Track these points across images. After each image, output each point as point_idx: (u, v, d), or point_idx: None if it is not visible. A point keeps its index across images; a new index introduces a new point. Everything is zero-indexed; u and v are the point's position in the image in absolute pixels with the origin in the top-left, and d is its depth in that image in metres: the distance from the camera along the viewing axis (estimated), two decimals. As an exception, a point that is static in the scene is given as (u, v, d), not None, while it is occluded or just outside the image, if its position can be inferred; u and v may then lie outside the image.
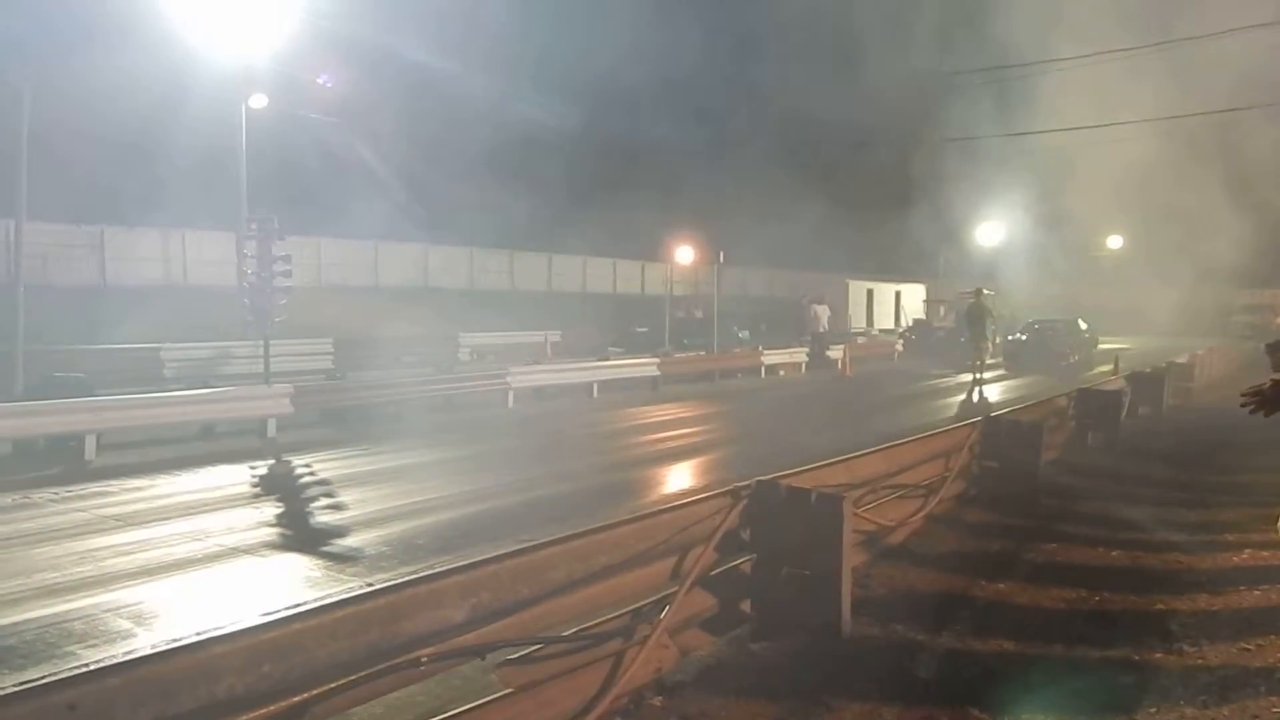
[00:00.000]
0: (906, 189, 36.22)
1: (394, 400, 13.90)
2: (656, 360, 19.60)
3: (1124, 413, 11.38)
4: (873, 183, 39.49)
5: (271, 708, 2.64)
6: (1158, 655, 4.52)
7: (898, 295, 43.07)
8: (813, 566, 4.68)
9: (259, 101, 23.68)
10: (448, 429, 13.02)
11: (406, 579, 3.32)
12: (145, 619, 5.25)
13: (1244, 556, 6.22)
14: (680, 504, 4.46)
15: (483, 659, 3.31)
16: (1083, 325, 25.28)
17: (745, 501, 4.61)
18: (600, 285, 41.03)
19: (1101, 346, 25.87)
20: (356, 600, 3.05)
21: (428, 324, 24.25)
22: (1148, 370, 14.28)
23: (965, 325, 19.92)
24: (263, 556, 6.56)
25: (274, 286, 14.33)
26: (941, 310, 31.13)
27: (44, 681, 2.45)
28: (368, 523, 7.46)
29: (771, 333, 30.29)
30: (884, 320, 42.16)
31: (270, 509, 7.95)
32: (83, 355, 16.57)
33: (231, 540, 6.89)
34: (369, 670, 2.87)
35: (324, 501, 8.18)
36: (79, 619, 5.18)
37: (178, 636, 3.83)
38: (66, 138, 21.16)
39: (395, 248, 33.65)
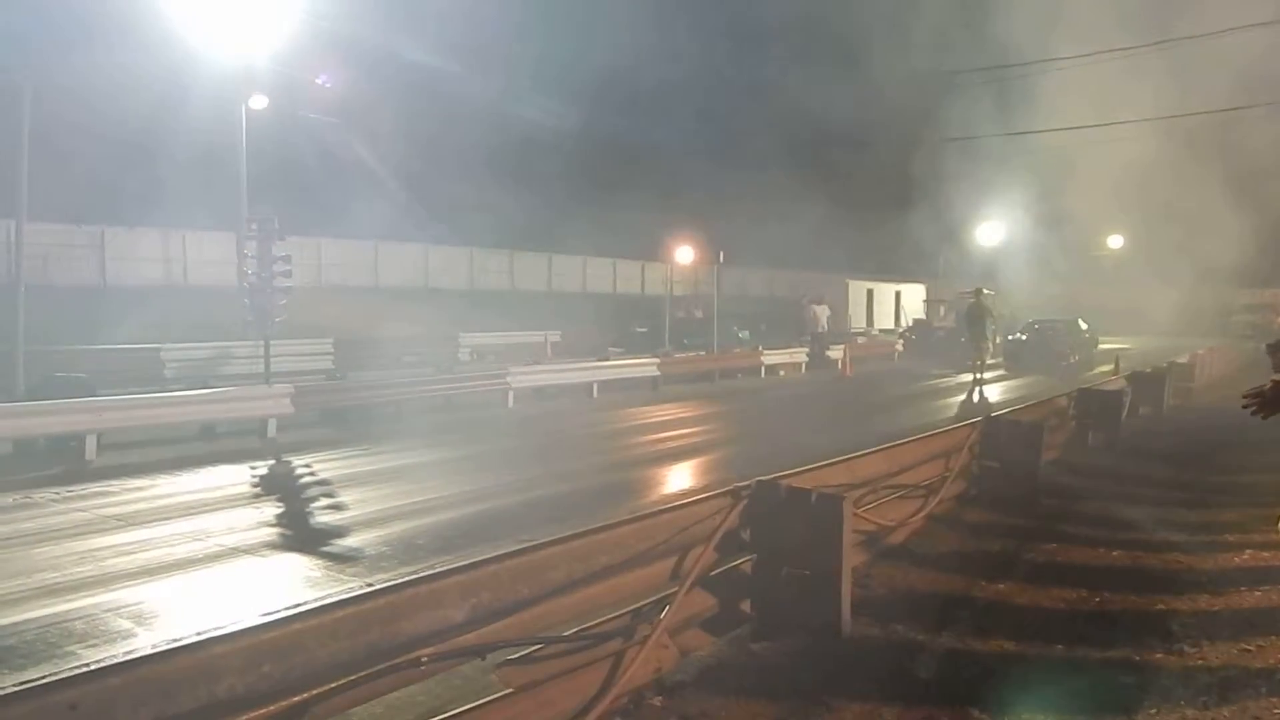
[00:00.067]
0: (906, 189, 36.25)
1: (394, 400, 13.91)
2: (656, 360, 19.61)
3: (1124, 413, 11.37)
4: (873, 183, 39.52)
5: (271, 708, 2.64)
6: (1158, 656, 4.52)
7: (898, 295, 43.07)
8: (813, 566, 4.68)
9: (259, 101, 23.68)
10: (448, 429, 13.02)
11: (406, 579, 3.32)
12: (146, 619, 5.25)
13: (1245, 557, 6.22)
14: (680, 504, 4.46)
15: (483, 659, 3.31)
16: (1083, 325, 25.28)
17: (745, 501, 4.61)
18: (600, 285, 41.03)
19: (1102, 346, 25.86)
20: (356, 600, 3.05)
21: (428, 324, 24.26)
22: (1148, 370, 14.28)
23: (965, 325, 19.92)
24: (263, 556, 6.56)
25: (274, 287, 14.33)
26: (941, 310, 31.13)
27: (45, 681, 2.46)
28: (368, 523, 7.46)
29: (771, 333, 30.29)
30: (884, 320, 42.16)
31: (270, 509, 7.95)
32: (83, 355, 16.58)
33: (232, 540, 6.89)
34: (369, 670, 2.87)
35: (324, 501, 8.18)
36: (79, 619, 5.18)
37: (178, 636, 3.83)
38: (67, 137, 21.18)
39: (395, 248, 33.66)
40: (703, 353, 23.53)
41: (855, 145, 39.28)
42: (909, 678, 4.26)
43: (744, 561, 4.74)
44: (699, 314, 29.93)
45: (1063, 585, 5.63)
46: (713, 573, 4.47)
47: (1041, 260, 37.09)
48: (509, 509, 8.06)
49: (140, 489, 8.80)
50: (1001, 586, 5.62)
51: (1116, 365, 16.90)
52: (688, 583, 4.13)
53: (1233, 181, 27.17)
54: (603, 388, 17.58)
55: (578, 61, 38.95)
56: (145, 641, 4.81)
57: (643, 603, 4.07)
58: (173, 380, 17.22)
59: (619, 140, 42.33)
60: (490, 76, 38.41)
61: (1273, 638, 4.68)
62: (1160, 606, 5.27)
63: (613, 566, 3.86)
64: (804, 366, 23.93)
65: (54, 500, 8.30)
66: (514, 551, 3.59)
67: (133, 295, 22.70)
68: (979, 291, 19.51)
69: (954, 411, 15.12)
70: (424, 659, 3.04)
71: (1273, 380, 3.85)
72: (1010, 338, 24.23)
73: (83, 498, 8.40)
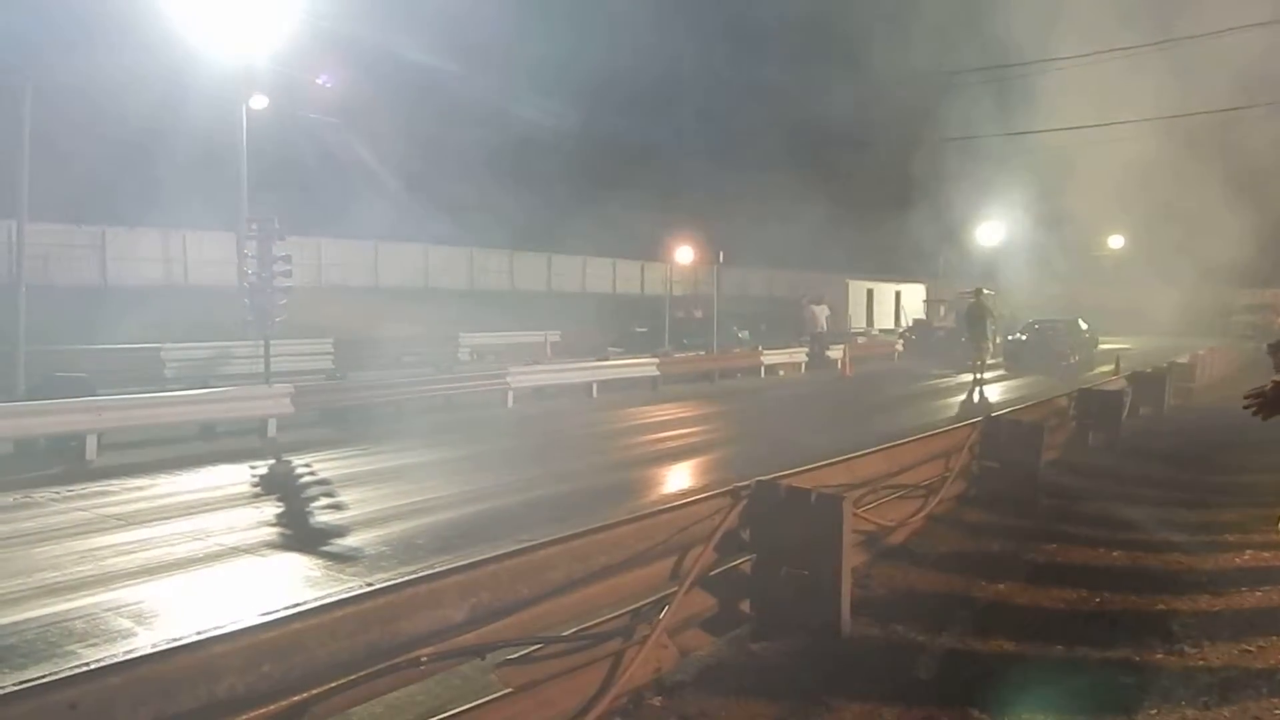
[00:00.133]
0: (906, 189, 36.25)
1: (394, 400, 13.90)
2: (656, 360, 19.60)
3: (1125, 413, 11.37)
4: (873, 183, 39.52)
5: (271, 707, 2.64)
6: (1158, 656, 4.52)
7: (898, 295, 43.05)
8: (812, 566, 4.68)
9: (259, 102, 23.69)
10: (447, 429, 13.02)
11: (406, 579, 3.32)
12: (146, 618, 5.25)
13: (1245, 557, 6.21)
14: (680, 504, 4.46)
15: (482, 659, 3.31)
16: (1083, 325, 25.27)
17: (745, 501, 4.61)
18: (600, 285, 41.04)
19: (1102, 346, 25.86)
20: (356, 600, 3.05)
21: (428, 324, 24.26)
22: (1149, 370, 14.27)
23: (965, 325, 19.92)
24: (263, 556, 6.56)
25: (274, 286, 14.34)
26: (941, 310, 31.12)
27: (45, 680, 2.45)
28: (367, 522, 7.46)
29: (771, 333, 30.27)
30: (884, 320, 42.15)
31: (270, 508, 7.95)
32: (84, 355, 16.58)
33: (232, 540, 6.89)
34: (369, 670, 2.87)
35: (324, 501, 8.17)
36: (80, 618, 5.18)
37: (178, 636, 3.82)
38: (68, 138, 21.21)
39: (395, 248, 33.68)
40: (702, 353, 23.52)
41: (855, 145, 39.33)
42: (909, 678, 4.25)
43: (743, 561, 4.74)
44: (699, 314, 29.91)
45: (1063, 585, 5.62)
46: (712, 573, 4.47)
47: (1041, 260, 37.10)
48: (508, 509, 8.06)
49: (140, 488, 8.81)
50: (1001, 587, 5.61)
51: (1117, 365, 16.90)
52: (687, 583, 4.13)
53: (1233, 181, 27.18)
54: (602, 388, 17.58)
55: (577, 61, 38.97)
56: (145, 641, 4.81)
57: (642, 603, 4.07)
58: (173, 380, 17.23)
59: (619, 140, 42.38)
60: (490, 76, 38.45)
61: (1273, 638, 4.68)
62: (1160, 607, 5.27)
63: (612, 566, 3.86)
64: (804, 366, 23.92)
65: (54, 500, 8.30)
66: (513, 551, 3.59)
67: (133, 295, 22.70)
68: (979, 291, 19.51)
69: (954, 411, 15.11)
70: (424, 659, 3.05)
71: (1273, 381, 3.85)
72: (1010, 338, 24.23)
73: (83, 497, 8.40)
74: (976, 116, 29.79)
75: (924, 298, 38.21)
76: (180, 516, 7.65)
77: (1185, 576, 5.84)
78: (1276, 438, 8.53)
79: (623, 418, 14.76)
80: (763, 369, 22.56)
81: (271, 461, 9.99)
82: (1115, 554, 6.38)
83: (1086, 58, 26.00)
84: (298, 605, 3.39)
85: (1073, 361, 22.09)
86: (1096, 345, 25.45)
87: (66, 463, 9.79)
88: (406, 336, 22.11)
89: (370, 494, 8.54)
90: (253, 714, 2.60)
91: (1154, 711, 3.92)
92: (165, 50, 21.56)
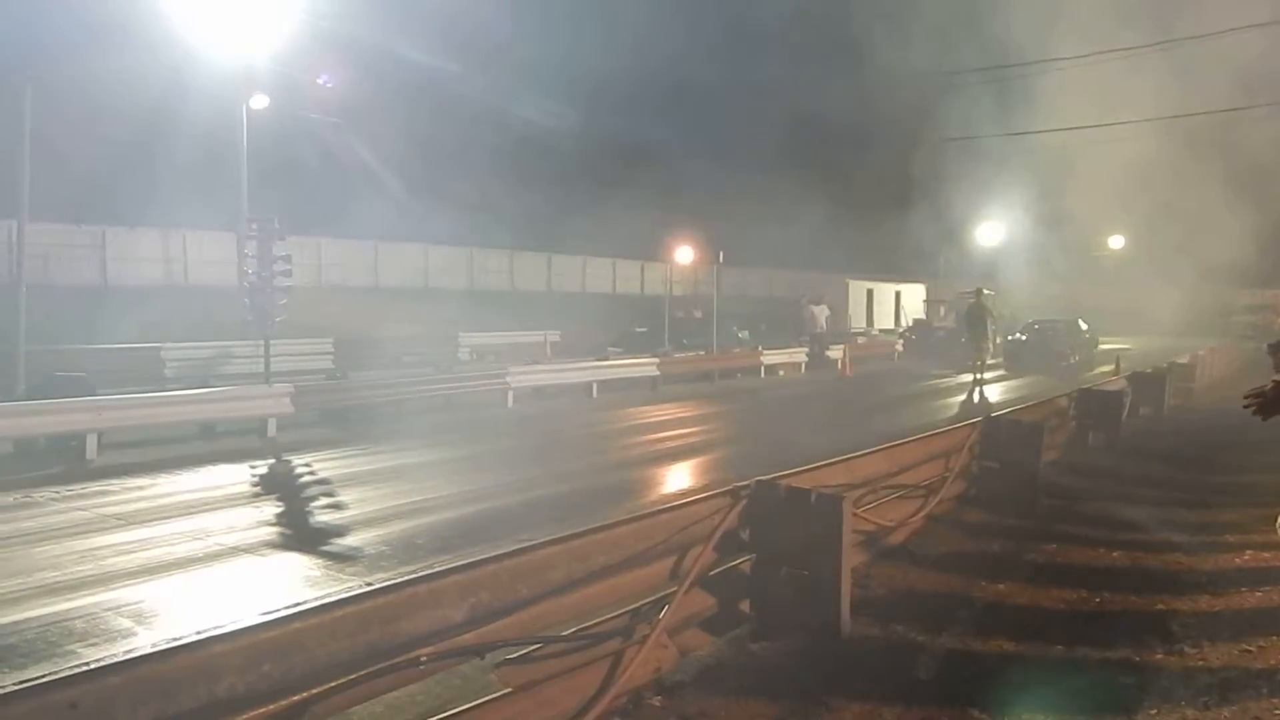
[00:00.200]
0: (906, 189, 36.25)
1: (394, 400, 13.90)
2: (656, 360, 19.60)
3: (1125, 413, 11.37)
4: (873, 183, 39.53)
5: (271, 707, 2.64)
6: (1158, 656, 4.52)
7: (898, 295, 43.04)
8: (812, 567, 4.67)
9: (259, 101, 23.70)
10: (447, 429, 13.02)
11: (406, 579, 3.32)
12: (146, 618, 5.25)
13: (1245, 558, 6.21)
14: (679, 504, 4.46)
15: (482, 658, 3.31)
16: (1083, 325, 25.27)
17: (745, 501, 4.61)
18: (600, 285, 41.04)
19: (1102, 347, 25.86)
20: (356, 600, 3.06)
21: (428, 324, 24.27)
22: (1149, 370, 14.27)
23: (965, 325, 19.91)
24: (263, 556, 6.56)
25: (274, 286, 14.33)
26: (942, 310, 31.11)
27: (45, 680, 2.46)
28: (367, 522, 7.46)
29: (771, 333, 30.26)
30: (884, 320, 42.14)
31: (270, 508, 7.95)
32: (84, 355, 16.57)
33: (232, 539, 6.89)
34: (369, 669, 2.87)
35: (324, 501, 8.17)
36: (80, 617, 5.18)
37: (178, 635, 3.83)
38: (68, 138, 21.20)
39: (395, 248, 33.68)
40: (702, 353, 23.51)
41: (855, 145, 39.36)
42: (909, 678, 4.25)
43: (743, 561, 4.74)
44: (698, 314, 29.88)
45: (1063, 586, 5.62)
46: (712, 573, 4.47)
47: (1042, 260, 37.08)
48: (508, 509, 8.06)
49: (140, 488, 8.81)
50: (1001, 587, 5.61)
51: (1117, 365, 16.91)
52: (687, 583, 4.13)
53: (1233, 181, 27.18)
54: (602, 387, 17.58)
55: (577, 61, 39.01)
56: (145, 640, 4.81)
57: (642, 603, 4.07)
58: (173, 380, 17.22)
59: (619, 140, 42.43)
60: (490, 76, 38.45)
61: (1273, 638, 4.68)
62: (1160, 607, 5.27)
63: (612, 566, 3.86)
64: (804, 366, 23.92)
65: (54, 499, 8.30)
66: (513, 551, 3.59)
67: (133, 295, 22.71)
68: (979, 291, 19.51)
69: (954, 411, 15.12)
70: (423, 658, 3.05)
71: (1273, 381, 3.85)
72: (1010, 338, 24.22)
73: (83, 497, 8.40)
74: (976, 116, 29.79)
75: (924, 298, 38.21)
76: (180, 516, 7.65)
77: (1185, 577, 5.84)
78: (1276, 438, 8.52)
79: (623, 418, 14.76)
80: (763, 369, 22.56)
81: (271, 461, 9.99)
82: (1115, 554, 6.38)
83: (1086, 58, 26.00)
84: (298, 605, 3.39)
85: (1073, 362, 22.08)
86: (1096, 345, 25.44)
87: (66, 462, 9.79)
88: (406, 336, 22.11)
89: (370, 494, 8.54)
90: (253, 714, 2.60)
91: (1154, 712, 3.92)
92: (165, 50, 21.58)
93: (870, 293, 42.75)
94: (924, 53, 30.13)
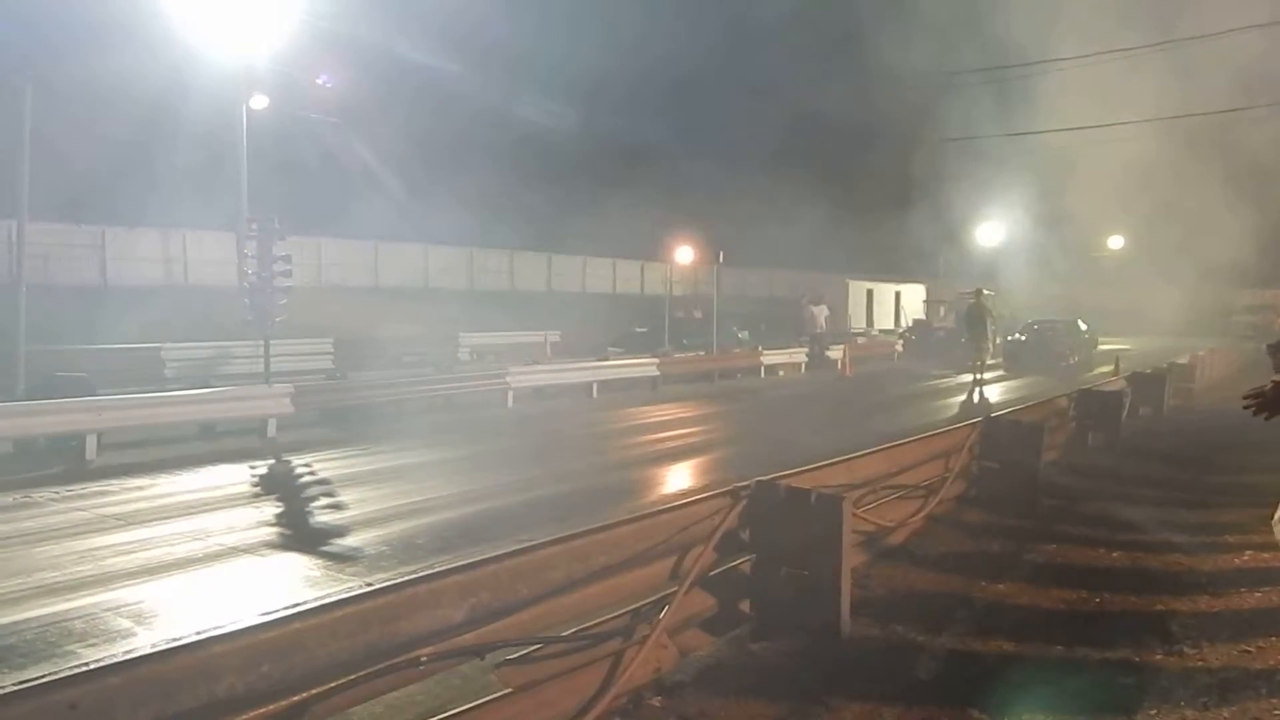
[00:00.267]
0: (906, 189, 36.27)
1: (394, 400, 13.90)
2: (656, 360, 19.60)
3: (1125, 413, 11.37)
4: (873, 183, 39.57)
5: (271, 707, 2.64)
6: (1158, 656, 4.52)
7: (898, 295, 43.05)
8: (812, 567, 4.68)
9: (259, 101, 23.70)
10: (447, 429, 13.02)
11: (406, 579, 3.32)
12: (145, 618, 5.25)
13: (1245, 558, 6.21)
14: (680, 504, 4.46)
15: (482, 659, 3.31)
16: (1082, 326, 25.27)
17: (745, 502, 4.61)
18: (600, 285, 41.04)
19: (1102, 347, 25.86)
20: (356, 600, 3.05)
21: (428, 324, 24.26)
22: (1148, 371, 14.28)
23: (965, 325, 19.92)
24: (263, 556, 6.56)
25: (274, 286, 14.32)
26: (941, 310, 31.13)
27: (44, 680, 2.45)
28: (367, 522, 7.46)
29: (771, 333, 30.27)
30: (884, 320, 42.15)
31: (270, 508, 7.95)
32: (84, 355, 16.57)
33: (232, 539, 6.89)
34: (369, 670, 2.87)
35: (324, 501, 8.18)
36: (79, 618, 5.18)
37: (178, 636, 3.83)
38: (68, 138, 21.20)
39: (395, 248, 33.69)
40: (702, 353, 23.51)
41: (855, 145, 39.36)
42: (909, 678, 4.26)
43: (743, 561, 4.74)
44: (699, 314, 29.89)
45: (1063, 586, 5.63)
46: (712, 573, 4.47)
47: (1041, 260, 37.10)
48: (508, 509, 8.06)
49: (140, 488, 8.80)
50: (1001, 587, 5.61)
51: (1117, 366, 16.91)
52: (687, 583, 4.13)
53: (1233, 181, 27.18)
54: (602, 388, 17.58)
55: (577, 61, 39.02)
56: (145, 641, 4.81)
57: (642, 603, 4.06)
58: (173, 380, 17.22)
59: (619, 140, 42.45)
60: (490, 76, 38.48)
61: (1273, 639, 4.68)
62: (1160, 607, 5.27)
63: (612, 566, 3.86)
64: (804, 366, 23.92)
65: (54, 499, 8.30)
66: (513, 551, 3.59)
67: (133, 295, 22.70)
68: (979, 292, 19.51)
69: (954, 412, 15.12)
70: (423, 659, 3.05)
71: (1273, 381, 3.84)
72: (1010, 338, 24.23)
73: (83, 497, 8.40)
74: (976, 116, 29.80)
75: (924, 298, 38.22)
76: (180, 516, 7.65)
77: (1185, 577, 5.84)
78: (1277, 438, 8.51)
79: (623, 418, 14.76)
80: (763, 369, 22.56)
81: (271, 461, 10.00)
82: (1115, 554, 6.38)
83: (1087, 58, 26.00)
84: (298, 605, 3.39)
85: (1072, 362, 22.09)
86: (1096, 346, 25.45)
87: (66, 462, 9.79)
88: (406, 336, 22.10)
89: (370, 494, 8.54)
90: (253, 714, 2.60)
91: (1153, 712, 3.92)
92: (165, 50, 21.58)
93: (870, 293, 42.75)
94: (924, 53, 30.13)
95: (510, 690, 3.46)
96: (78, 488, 8.75)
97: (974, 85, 30.45)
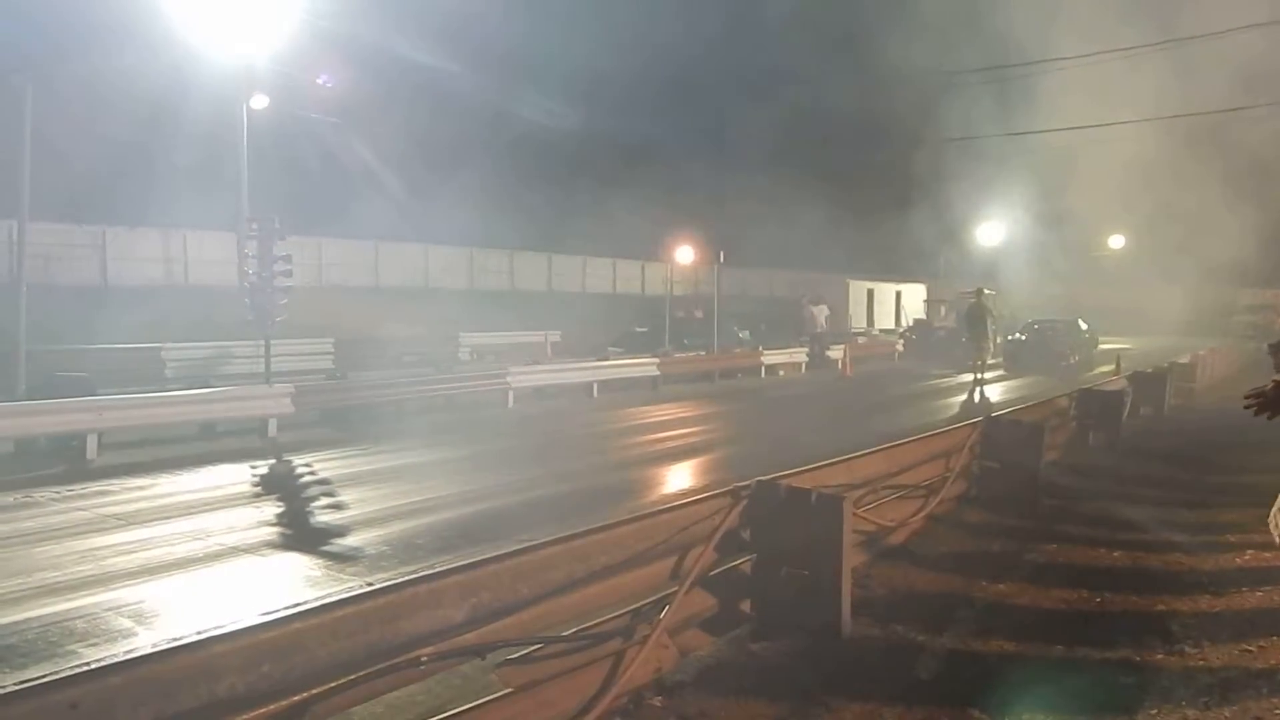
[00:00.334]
0: (906, 189, 36.29)
1: (394, 400, 13.90)
2: (656, 360, 19.60)
3: (1125, 413, 11.36)
4: (873, 182, 39.56)
5: (272, 707, 2.64)
6: (1159, 656, 4.52)
7: (898, 295, 43.02)
8: (813, 567, 4.67)
9: (259, 101, 23.71)
10: (448, 429, 13.02)
11: (407, 579, 3.32)
12: (146, 618, 5.25)
13: (1246, 558, 6.21)
14: (680, 504, 4.46)
15: (483, 658, 3.31)
16: (1083, 325, 25.27)
17: (745, 501, 4.61)
18: (600, 285, 41.03)
19: (1102, 346, 25.85)
20: (356, 600, 3.05)
21: (428, 324, 24.26)
22: (1149, 370, 14.27)
23: (966, 325, 19.91)
24: (263, 556, 6.56)
25: (275, 286, 14.32)
26: (942, 310, 31.12)
27: (45, 680, 2.45)
28: (368, 522, 7.46)
29: (771, 333, 30.27)
30: (884, 320, 42.13)
31: (271, 508, 7.95)
32: (85, 355, 16.57)
33: (232, 539, 6.89)
34: (369, 670, 2.87)
35: (324, 501, 8.18)
36: (80, 618, 5.18)
37: (178, 635, 3.83)
38: (68, 138, 21.20)
39: (395, 248, 33.68)
40: (703, 353, 23.51)
41: (856, 145, 39.35)
42: (909, 678, 4.25)
43: (744, 561, 4.74)
44: (699, 314, 29.89)
45: (1063, 586, 5.62)
46: (712, 573, 4.47)
47: (1042, 260, 37.10)
48: (509, 509, 8.06)
49: (141, 488, 8.81)
50: (1002, 587, 5.61)
51: (1117, 365, 16.90)
52: (687, 583, 4.13)
53: (1234, 181, 27.18)
54: (602, 388, 17.58)
55: (578, 61, 39.02)
56: (146, 640, 4.81)
57: (642, 603, 4.06)
58: (173, 380, 17.21)
59: (619, 140, 42.42)
60: (490, 76, 38.49)
61: (1274, 638, 4.68)
62: (1161, 607, 5.27)
63: (612, 566, 3.86)
64: (804, 366, 23.93)
65: (55, 499, 8.30)
66: (514, 551, 3.59)
67: (133, 295, 22.70)
68: (980, 291, 19.51)
69: (954, 411, 15.11)
70: (424, 659, 3.05)
71: (1274, 380, 3.84)
72: (1010, 338, 24.23)
73: (83, 497, 8.40)
74: (976, 116, 29.81)
75: (924, 298, 38.20)
76: (180, 516, 7.65)
77: (1186, 577, 5.84)
78: (1278, 438, 8.51)
79: (623, 418, 14.76)
80: (763, 369, 22.56)
81: (272, 461, 10.01)
82: (1116, 554, 6.37)
83: (1087, 58, 25.99)
84: (298, 605, 3.39)
85: (1072, 362, 22.08)
86: (1096, 345, 25.45)
87: (67, 462, 9.79)
88: (407, 336, 22.10)
89: (370, 494, 8.54)
90: (253, 714, 2.60)
91: (1154, 712, 3.92)
92: (165, 50, 21.59)
93: (870, 293, 42.73)
94: (924, 52, 30.14)
95: (511, 690, 3.46)
96: (78, 487, 8.75)
97: (974, 85, 30.47)
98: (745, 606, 4.73)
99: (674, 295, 30.81)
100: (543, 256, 39.19)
